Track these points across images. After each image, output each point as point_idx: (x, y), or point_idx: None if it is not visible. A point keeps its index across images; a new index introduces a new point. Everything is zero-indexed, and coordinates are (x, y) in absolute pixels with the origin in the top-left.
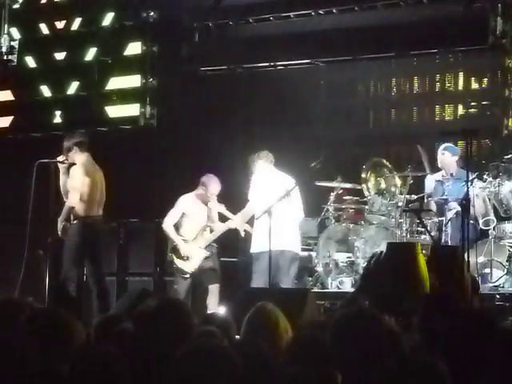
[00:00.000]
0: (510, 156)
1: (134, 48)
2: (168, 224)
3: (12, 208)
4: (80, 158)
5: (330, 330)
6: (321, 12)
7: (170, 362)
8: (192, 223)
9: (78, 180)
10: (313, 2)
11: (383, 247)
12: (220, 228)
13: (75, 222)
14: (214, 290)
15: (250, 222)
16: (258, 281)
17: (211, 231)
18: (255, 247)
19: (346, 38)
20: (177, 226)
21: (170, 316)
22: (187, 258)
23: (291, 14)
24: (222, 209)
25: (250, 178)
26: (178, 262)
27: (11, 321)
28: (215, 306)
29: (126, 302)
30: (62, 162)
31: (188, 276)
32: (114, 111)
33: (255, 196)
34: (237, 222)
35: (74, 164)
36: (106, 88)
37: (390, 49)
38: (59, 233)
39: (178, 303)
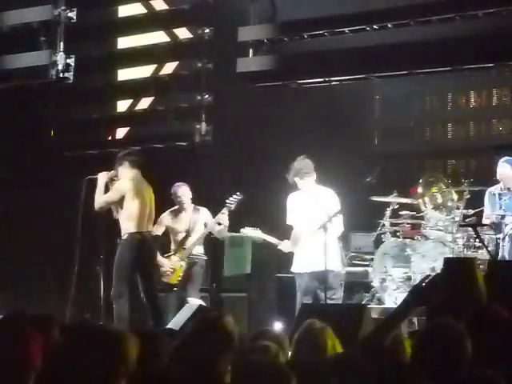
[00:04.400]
0: None
1: (189, 64)
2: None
3: (62, 223)
4: (129, 173)
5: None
6: (375, 27)
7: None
8: (173, 237)
9: (121, 185)
10: (368, 17)
11: (440, 262)
12: (192, 240)
13: (125, 237)
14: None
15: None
16: (302, 300)
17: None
18: (296, 266)
19: (400, 53)
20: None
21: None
22: (171, 273)
23: (346, 29)
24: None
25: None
26: (163, 278)
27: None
28: None
29: (183, 318)
30: (111, 179)
31: (175, 289)
32: (170, 128)
33: (297, 219)
34: (286, 247)
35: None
36: (163, 105)
37: (446, 63)
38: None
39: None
